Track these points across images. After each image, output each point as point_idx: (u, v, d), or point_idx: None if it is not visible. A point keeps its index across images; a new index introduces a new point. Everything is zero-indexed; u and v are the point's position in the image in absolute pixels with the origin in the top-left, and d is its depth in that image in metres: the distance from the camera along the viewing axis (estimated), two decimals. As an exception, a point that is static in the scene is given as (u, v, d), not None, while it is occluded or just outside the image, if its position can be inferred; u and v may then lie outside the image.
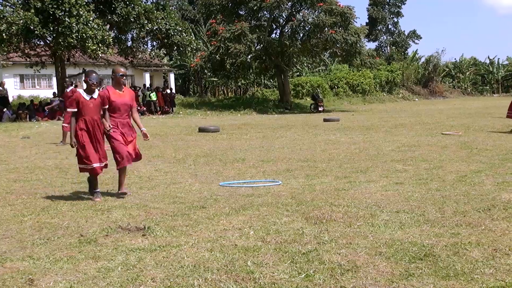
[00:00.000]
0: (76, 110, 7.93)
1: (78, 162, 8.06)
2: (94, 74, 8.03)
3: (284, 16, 41.10)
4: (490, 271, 4.37)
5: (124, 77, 8.44)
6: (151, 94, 38.22)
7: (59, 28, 29.21)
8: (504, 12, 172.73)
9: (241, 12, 41.32)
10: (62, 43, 29.60)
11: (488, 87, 71.35)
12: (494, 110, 30.84)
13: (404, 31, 75.16)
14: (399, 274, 4.35)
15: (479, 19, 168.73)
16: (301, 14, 39.75)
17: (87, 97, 7.94)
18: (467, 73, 71.63)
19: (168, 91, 41.39)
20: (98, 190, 8.06)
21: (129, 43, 37.78)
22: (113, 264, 4.78)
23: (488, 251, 4.90)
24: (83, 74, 13.22)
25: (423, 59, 69.86)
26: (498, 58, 73.85)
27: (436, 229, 5.69)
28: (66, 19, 28.98)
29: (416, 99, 60.39)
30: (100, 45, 30.75)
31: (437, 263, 4.61)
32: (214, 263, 4.73)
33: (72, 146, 7.99)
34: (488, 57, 74.53)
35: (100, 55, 32.40)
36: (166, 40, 36.10)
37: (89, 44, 29.82)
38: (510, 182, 8.37)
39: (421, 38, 77.21)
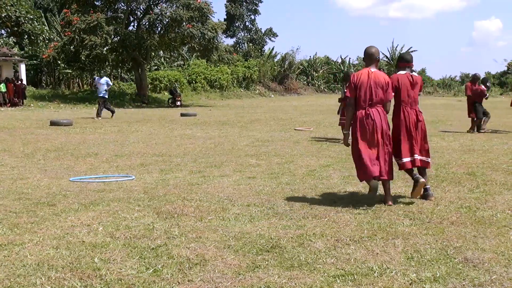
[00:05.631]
0: None
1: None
2: None
3: (142, 9, 40.62)
4: (332, 261, 4.57)
5: None
6: (1, 85, 36.09)
7: None
8: (354, 14, 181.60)
9: (97, 3, 40.27)
10: None
11: (339, 85, 74.35)
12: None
13: (261, 28, 76.71)
14: (246, 266, 4.44)
15: (331, 20, 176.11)
16: (159, 7, 39.42)
17: None
18: (320, 71, 74.29)
19: (19, 82, 39.35)
20: None
21: (-25, 31, 35.66)
22: None
23: (331, 241, 5.13)
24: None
25: (279, 57, 71.68)
26: (349, 58, 77.31)
27: (284, 222, 5.87)
28: None
29: (272, 96, 61.87)
30: None
31: (283, 254, 4.75)
32: (59, 261, 4.57)
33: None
34: (340, 57, 77.74)
35: None
36: (16, 28, 34.48)
37: None
38: (354, 176, 8.80)
39: (277, 36, 79.05)
